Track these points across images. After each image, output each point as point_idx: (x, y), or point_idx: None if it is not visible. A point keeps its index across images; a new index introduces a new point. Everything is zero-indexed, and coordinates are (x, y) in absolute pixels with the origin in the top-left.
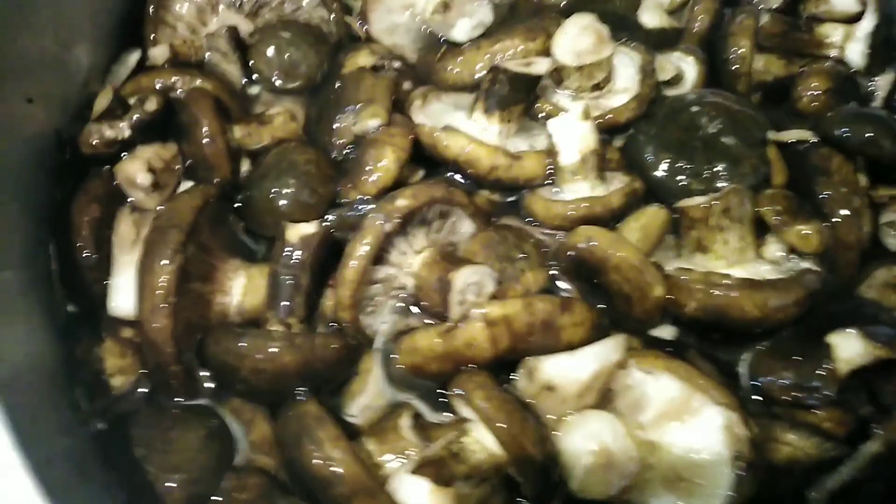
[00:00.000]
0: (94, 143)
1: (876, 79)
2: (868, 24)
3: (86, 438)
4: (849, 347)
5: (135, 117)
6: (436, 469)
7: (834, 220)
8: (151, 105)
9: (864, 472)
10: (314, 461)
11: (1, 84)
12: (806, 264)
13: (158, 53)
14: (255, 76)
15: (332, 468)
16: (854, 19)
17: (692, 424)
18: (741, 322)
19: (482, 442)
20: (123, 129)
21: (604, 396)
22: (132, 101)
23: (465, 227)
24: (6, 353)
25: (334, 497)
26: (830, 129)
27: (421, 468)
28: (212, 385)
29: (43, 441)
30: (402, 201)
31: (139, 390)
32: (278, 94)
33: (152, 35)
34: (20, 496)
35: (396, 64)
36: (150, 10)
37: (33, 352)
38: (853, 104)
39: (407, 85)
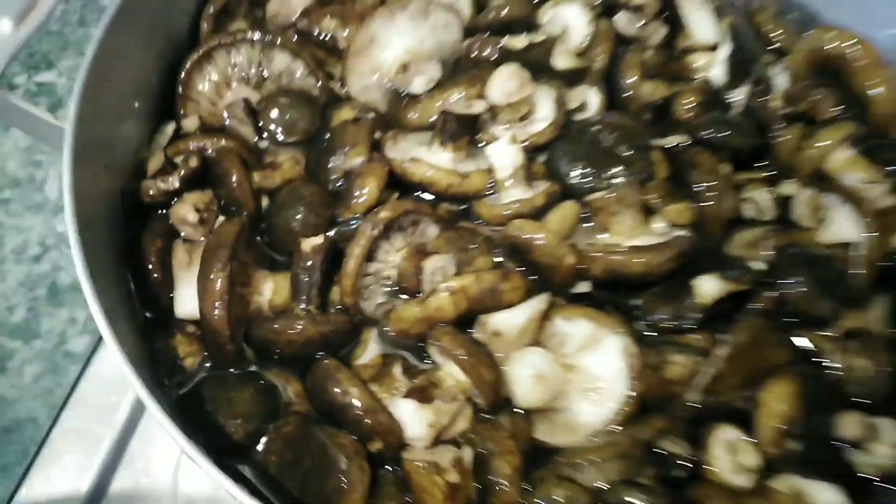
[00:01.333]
0: (152, 193)
1: (734, 91)
2: (724, 51)
3: (171, 403)
4: (706, 285)
5: (182, 172)
6: (420, 394)
7: (702, 202)
8: (194, 162)
9: (721, 369)
10: (336, 394)
11: (88, 155)
12: (681, 233)
13: (190, 123)
14: (264, 134)
15: (349, 398)
16: (714, 48)
17: (600, 349)
18: (633, 277)
19: (451, 373)
20: (174, 182)
21: (537, 341)
22: (177, 160)
23: (431, 230)
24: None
25: (353, 417)
26: (698, 131)
27: (409, 394)
28: (255, 357)
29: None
30: (384, 213)
31: (204, 366)
32: (282, 146)
33: (182, 110)
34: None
35: (371, 115)
36: (179, 90)
37: (132, 345)
38: (717, 112)
39: (378, 134)
